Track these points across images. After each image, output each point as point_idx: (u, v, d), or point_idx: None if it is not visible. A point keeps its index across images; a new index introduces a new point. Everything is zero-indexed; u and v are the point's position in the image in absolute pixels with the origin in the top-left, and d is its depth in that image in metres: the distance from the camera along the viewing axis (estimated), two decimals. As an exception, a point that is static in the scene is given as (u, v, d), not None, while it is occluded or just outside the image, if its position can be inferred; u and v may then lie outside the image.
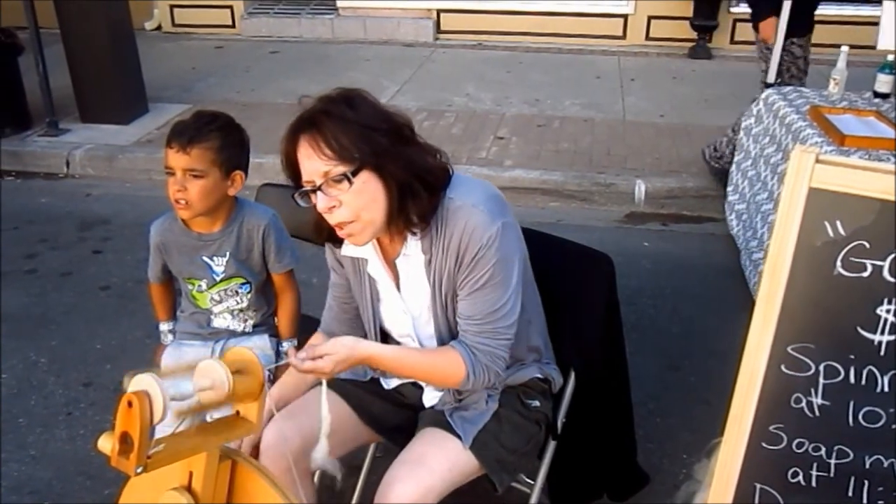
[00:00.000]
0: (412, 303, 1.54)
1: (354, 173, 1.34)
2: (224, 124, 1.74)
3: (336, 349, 1.36)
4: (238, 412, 1.23)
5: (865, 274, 1.17)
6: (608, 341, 1.83)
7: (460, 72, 6.10)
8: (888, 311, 1.16)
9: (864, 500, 1.19)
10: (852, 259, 1.18)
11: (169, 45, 6.91)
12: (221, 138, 1.71)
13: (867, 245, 1.17)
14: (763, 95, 3.39)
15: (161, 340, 2.04)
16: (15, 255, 3.58)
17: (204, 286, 1.87)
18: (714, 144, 4.05)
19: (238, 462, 1.22)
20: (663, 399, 2.59)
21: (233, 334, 1.93)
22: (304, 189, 1.38)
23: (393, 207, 1.39)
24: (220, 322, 1.93)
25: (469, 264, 1.42)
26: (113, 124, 4.94)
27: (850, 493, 1.19)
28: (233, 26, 7.25)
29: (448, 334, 1.53)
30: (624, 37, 6.76)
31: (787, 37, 3.56)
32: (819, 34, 5.84)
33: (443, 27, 6.97)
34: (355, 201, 1.36)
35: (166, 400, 1.06)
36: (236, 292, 1.88)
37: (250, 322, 1.94)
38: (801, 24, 3.61)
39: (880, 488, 1.18)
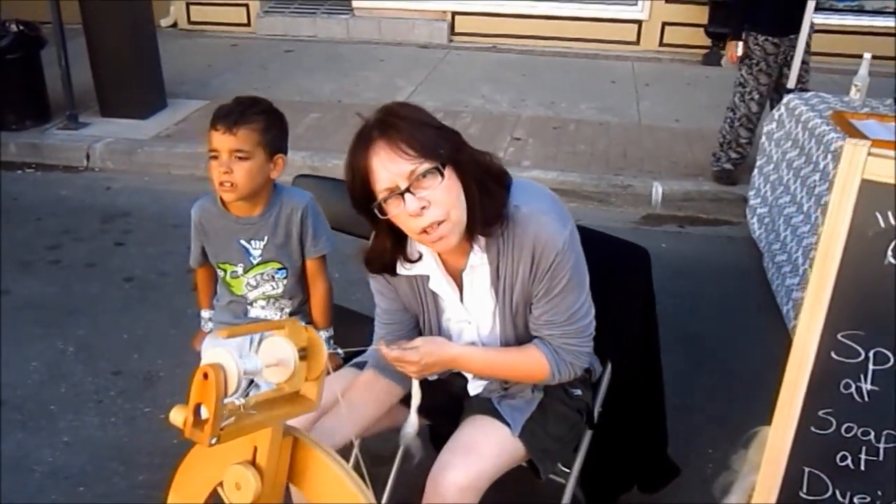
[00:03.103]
0: (476, 313, 1.53)
1: (442, 167, 1.31)
2: (267, 108, 1.77)
3: (426, 346, 1.39)
4: (298, 390, 1.26)
5: (916, 263, 1.20)
6: (644, 333, 1.86)
7: (475, 73, 6.13)
8: (938, 300, 1.19)
9: (913, 484, 1.22)
10: (903, 249, 1.21)
11: (185, 42, 6.95)
12: (265, 121, 1.74)
13: (918, 236, 1.20)
14: (785, 101, 3.43)
15: (201, 327, 2.06)
16: (38, 245, 3.61)
17: (240, 271, 1.89)
18: (714, 150, 4.23)
19: (299, 439, 1.25)
20: (687, 396, 2.61)
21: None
22: (381, 200, 1.32)
23: (474, 206, 1.36)
24: (256, 312, 1.95)
25: (546, 272, 1.41)
26: (132, 119, 4.98)
27: (899, 477, 1.22)
28: (248, 25, 7.29)
29: (513, 339, 1.53)
30: (638, 42, 6.81)
31: (762, 32, 3.83)
32: (835, 44, 5.92)
33: (457, 29, 7.01)
34: (446, 199, 1.31)
35: (240, 373, 1.09)
36: (272, 277, 1.90)
37: (286, 311, 1.96)
38: (779, 24, 3.81)
39: (929, 472, 1.21)
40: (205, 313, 2.06)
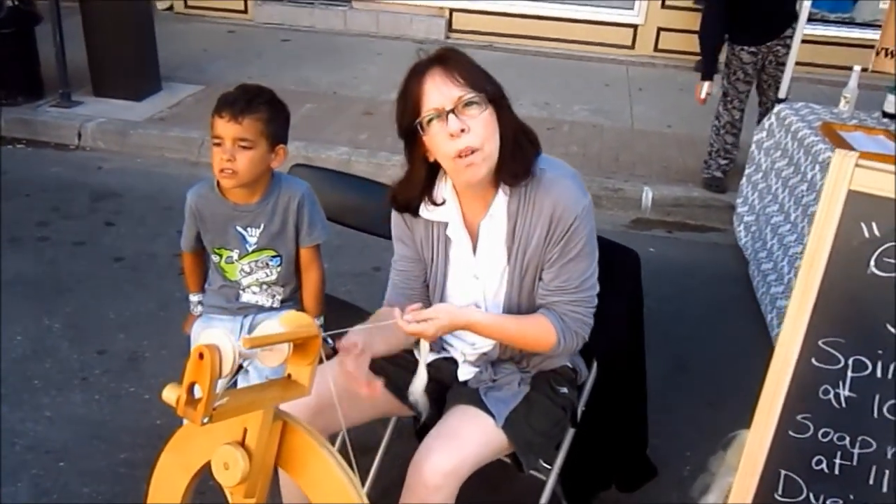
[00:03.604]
0: (485, 268, 1.59)
1: (486, 100, 1.43)
2: (271, 98, 1.78)
3: (439, 315, 1.41)
4: (290, 375, 1.27)
5: (897, 275, 1.23)
6: (631, 334, 1.89)
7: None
8: (918, 311, 1.22)
9: (884, 489, 1.25)
10: (886, 259, 1.24)
11: (181, 26, 6.92)
12: (269, 111, 1.75)
13: (901, 248, 1.23)
14: (776, 110, 3.47)
15: (191, 311, 2.07)
16: (27, 221, 3.60)
17: (235, 257, 1.90)
18: (705, 158, 4.30)
19: (289, 423, 1.27)
20: (668, 398, 2.65)
21: (261, 309, 1.97)
22: (426, 118, 1.42)
23: (506, 152, 1.47)
24: (248, 297, 1.96)
25: (563, 235, 1.50)
26: (126, 100, 4.97)
27: (871, 482, 1.25)
28: (245, 12, 7.27)
29: (517, 304, 1.58)
30: (633, 47, 6.84)
31: (738, 42, 3.91)
32: (825, 55, 5.98)
33: (454, 26, 7.02)
34: (483, 129, 1.42)
35: (236, 354, 1.11)
36: (266, 264, 1.91)
37: (278, 297, 1.98)
38: (756, 34, 3.88)
39: (901, 478, 1.24)
40: (194, 297, 2.06)
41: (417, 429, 2.22)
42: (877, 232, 1.25)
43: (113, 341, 2.78)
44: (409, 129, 1.47)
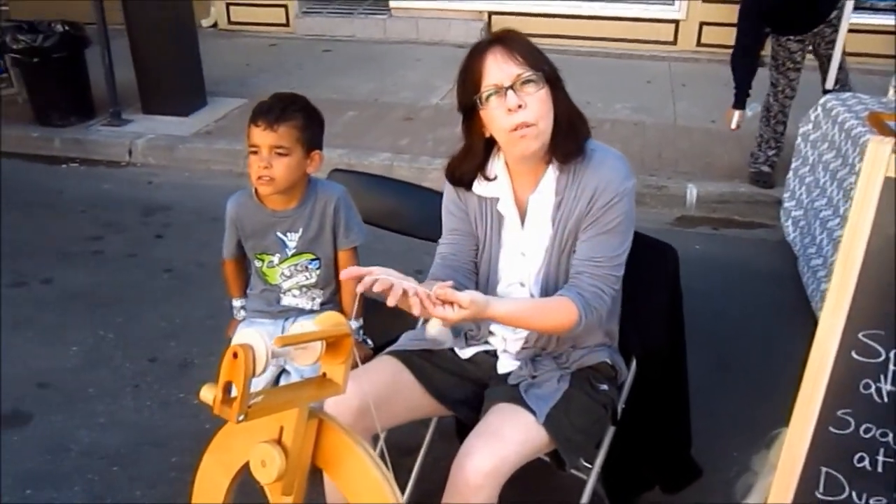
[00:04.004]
0: (532, 244, 1.64)
1: (544, 78, 1.49)
2: (305, 105, 1.82)
3: (467, 306, 1.38)
4: (325, 374, 1.30)
5: (939, 263, 1.19)
6: (671, 332, 1.87)
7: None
8: (961, 300, 1.18)
9: (931, 486, 1.21)
10: (926, 248, 1.20)
11: (224, 41, 7.08)
12: (304, 118, 1.79)
13: (942, 235, 1.19)
14: (822, 101, 3.38)
15: (234, 316, 2.12)
16: (82, 236, 3.73)
17: (276, 261, 1.95)
18: (752, 150, 4.21)
19: (324, 421, 1.29)
20: (713, 397, 2.60)
21: (301, 312, 2.01)
22: (485, 93, 1.49)
23: (559, 130, 1.53)
24: (288, 300, 2.00)
25: (602, 207, 1.55)
26: (173, 116, 5.11)
27: (918, 478, 1.22)
28: (287, 25, 7.40)
29: (555, 281, 1.62)
30: (675, 42, 6.75)
31: (782, 32, 3.81)
32: (874, 44, 5.81)
33: (494, 29, 7.03)
34: (539, 107, 1.49)
35: (269, 353, 1.13)
36: (306, 268, 1.95)
37: (318, 300, 2.01)
38: (800, 23, 3.79)
39: (948, 474, 1.20)
40: (236, 302, 2.12)
41: (458, 429, 2.24)
42: (916, 220, 1.21)
43: (163, 349, 2.86)
44: (469, 104, 1.53)
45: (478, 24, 6.99)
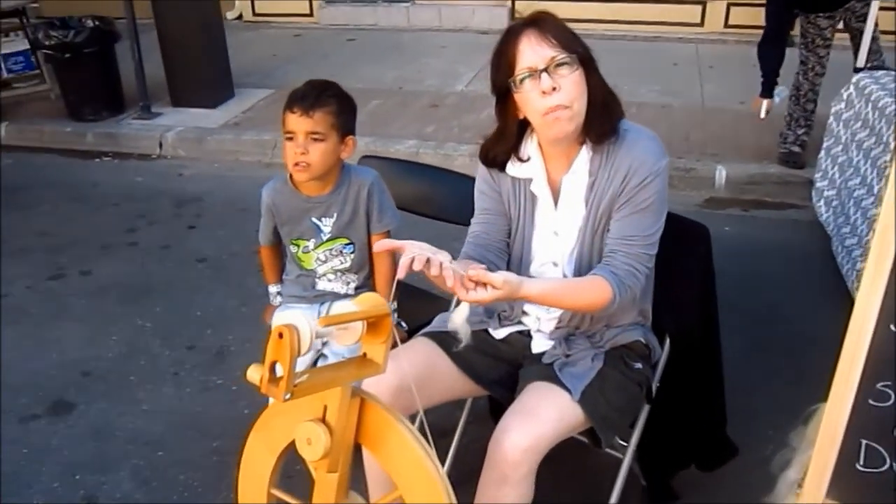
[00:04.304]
0: (565, 223, 1.65)
1: (578, 60, 1.50)
2: (339, 91, 1.85)
3: (501, 286, 1.39)
4: (365, 354, 1.32)
5: (980, 234, 1.19)
6: (704, 311, 1.87)
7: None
8: None
9: (974, 457, 1.21)
10: (967, 220, 1.20)
11: (250, 34, 7.15)
12: (338, 104, 1.82)
13: (985, 204, 1.19)
14: (854, 80, 3.34)
15: (270, 301, 2.16)
16: (117, 229, 3.81)
17: (311, 246, 1.98)
18: (781, 130, 4.16)
19: (366, 400, 1.32)
20: (748, 378, 2.60)
21: (336, 296, 2.04)
22: (519, 76, 1.50)
23: (593, 111, 1.54)
24: (324, 284, 2.03)
25: (636, 187, 1.56)
26: (202, 108, 5.17)
27: (959, 450, 1.21)
28: (310, 15, 7.45)
29: (588, 260, 1.63)
30: (702, 24, 6.68)
31: (812, 11, 3.73)
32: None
33: (517, 14, 6.99)
34: (573, 88, 1.50)
35: (313, 333, 1.16)
36: (341, 252, 1.98)
37: (352, 284, 2.04)
38: (826, 2, 3.72)
39: None
40: (272, 288, 2.15)
41: (492, 410, 2.27)
42: (956, 191, 1.20)
43: (201, 337, 2.92)
44: (503, 87, 1.55)
45: (502, 11, 6.97)
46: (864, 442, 1.28)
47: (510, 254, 1.73)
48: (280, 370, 1.17)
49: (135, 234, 3.76)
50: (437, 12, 7.13)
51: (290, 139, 1.81)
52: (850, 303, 3.13)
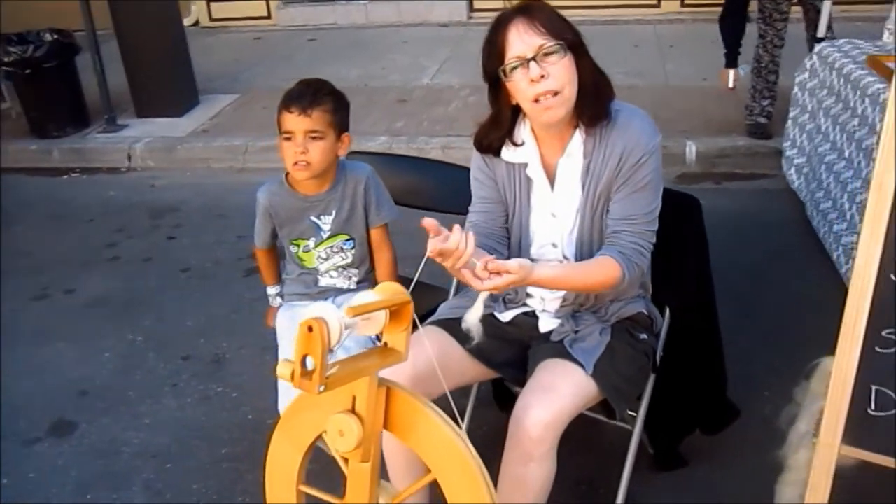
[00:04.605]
0: (562, 205, 1.68)
1: (567, 47, 1.52)
2: (333, 89, 1.86)
3: (517, 271, 1.42)
4: (386, 343, 1.34)
5: (970, 183, 1.25)
6: (700, 279, 1.93)
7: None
8: None
9: (979, 394, 1.27)
10: (957, 170, 1.26)
11: (208, 39, 7.07)
12: (334, 102, 1.83)
13: (971, 156, 1.25)
14: (816, 49, 3.43)
15: (270, 304, 2.16)
16: (96, 244, 3.76)
17: (311, 245, 1.99)
18: (747, 103, 4.24)
19: (392, 389, 1.34)
20: (739, 344, 2.66)
21: (339, 292, 2.05)
22: (508, 65, 1.52)
23: (585, 94, 1.56)
24: (326, 281, 2.04)
25: (633, 167, 1.59)
26: (168, 117, 5.12)
27: (964, 388, 1.28)
28: (268, 17, 7.40)
29: (588, 241, 1.66)
30: (658, 5, 6.78)
31: None
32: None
33: (476, 6, 7.04)
34: (563, 74, 1.52)
35: (342, 325, 1.18)
36: (341, 248, 1.99)
37: (354, 279, 2.05)
38: None
39: None
40: (271, 290, 2.15)
41: (496, 395, 2.30)
42: (945, 144, 1.26)
43: (194, 347, 2.90)
44: (494, 74, 1.56)
45: (460, 3, 6.99)
46: (873, 387, 1.33)
47: (509, 238, 1.76)
48: (311, 364, 1.18)
49: (114, 249, 3.72)
50: (396, 8, 7.13)
51: (289, 139, 1.82)
52: (831, 265, 3.24)
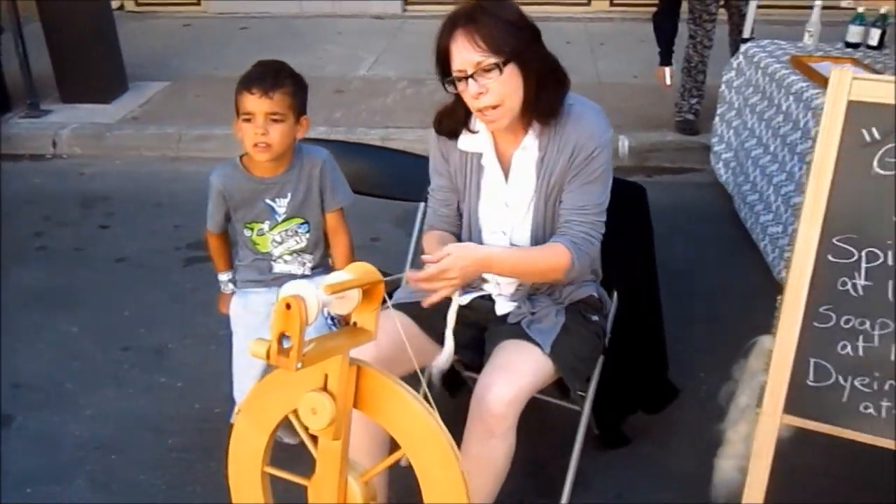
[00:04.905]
0: (516, 196, 1.72)
1: (504, 64, 1.53)
2: (293, 72, 1.86)
3: (457, 251, 1.50)
4: (356, 323, 1.37)
5: (899, 171, 1.37)
6: (645, 264, 2.02)
7: (432, 41, 6.20)
8: (919, 202, 1.36)
9: (905, 363, 1.39)
10: (887, 159, 1.37)
11: (135, 24, 6.83)
12: (294, 84, 1.83)
13: (899, 146, 1.36)
14: (742, 49, 3.61)
15: (222, 290, 2.14)
16: (24, 235, 3.60)
17: (265, 228, 1.98)
18: (676, 101, 4.42)
19: (362, 367, 1.36)
20: (674, 326, 2.75)
21: (293, 278, 2.04)
22: (454, 77, 1.57)
23: (530, 97, 1.59)
24: (280, 267, 2.04)
25: (585, 160, 1.64)
26: (95, 103, 4.93)
27: (893, 358, 1.40)
28: (197, 4, 7.21)
29: (542, 229, 1.71)
30: (588, 3, 6.95)
31: None
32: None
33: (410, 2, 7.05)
34: (501, 89, 1.55)
35: (319, 303, 1.20)
36: (296, 232, 1.99)
37: (308, 265, 2.06)
38: None
39: (918, 352, 1.39)
40: (223, 276, 2.13)
41: (444, 380, 2.34)
42: (877, 135, 1.37)
43: (135, 337, 2.83)
44: (443, 78, 1.61)
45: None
46: (812, 360, 1.44)
47: (461, 224, 1.81)
48: (288, 341, 1.20)
49: (43, 239, 3.58)
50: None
51: (248, 121, 1.81)
52: (758, 254, 3.40)
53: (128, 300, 3.07)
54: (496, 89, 1.54)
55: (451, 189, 1.79)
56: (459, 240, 1.79)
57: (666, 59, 4.11)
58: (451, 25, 1.56)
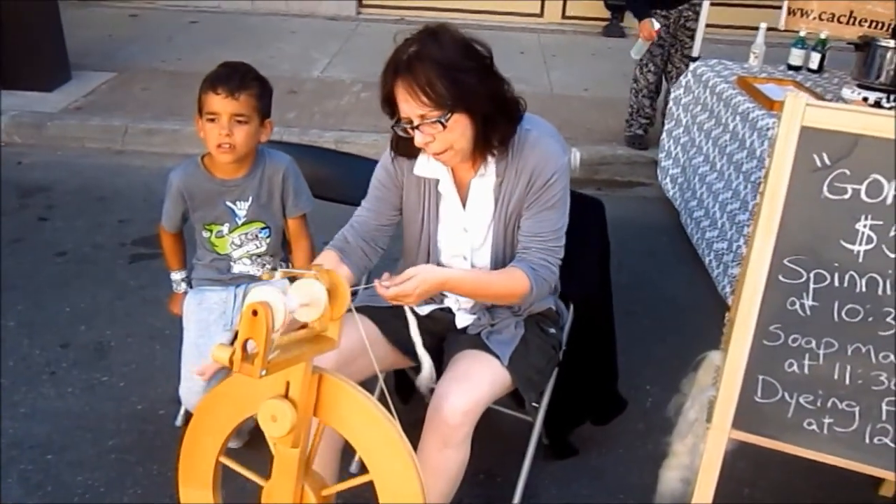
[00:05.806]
0: (474, 221, 1.71)
1: (447, 117, 1.52)
2: (258, 75, 1.84)
3: (420, 274, 1.49)
4: (323, 330, 1.35)
5: (846, 196, 1.43)
6: (601, 277, 2.06)
7: (387, 45, 6.02)
8: (865, 226, 1.42)
9: (847, 381, 1.45)
10: (836, 184, 1.43)
11: (79, 12, 6.60)
12: (260, 87, 1.81)
13: (847, 172, 1.43)
14: (691, 68, 3.72)
15: (174, 290, 2.09)
16: (-45, 223, 3.45)
17: (225, 230, 1.95)
18: (626, 118, 4.52)
19: (324, 375, 1.35)
20: (621, 340, 2.82)
21: (252, 279, 2.01)
22: (402, 125, 1.56)
23: (479, 137, 1.59)
24: (240, 268, 2.01)
25: (542, 187, 1.63)
26: (36, 91, 4.76)
27: (836, 377, 1.46)
28: (146, -6, 7.03)
29: (502, 253, 1.71)
30: (541, 15, 7.05)
31: (652, 7, 4.08)
32: (721, 16, 6.36)
33: (364, 2, 7.02)
34: (447, 137, 1.55)
35: (286, 310, 1.18)
36: (256, 236, 1.97)
37: (268, 267, 2.03)
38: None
39: (859, 370, 1.45)
40: (176, 275, 2.09)
41: (397, 386, 2.34)
42: (827, 161, 1.43)
43: (74, 334, 2.74)
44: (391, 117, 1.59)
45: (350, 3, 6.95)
46: (760, 377, 1.49)
47: (419, 247, 1.78)
48: (253, 347, 1.18)
49: (-23, 228, 3.43)
50: (284, -3, 6.99)
51: (213, 121, 1.78)
52: (703, 269, 3.49)
53: (68, 295, 2.96)
54: (442, 138, 1.54)
55: (391, 205, 1.75)
56: (370, 262, 1.78)
57: (642, 13, 4.08)
58: (392, 73, 1.53)
